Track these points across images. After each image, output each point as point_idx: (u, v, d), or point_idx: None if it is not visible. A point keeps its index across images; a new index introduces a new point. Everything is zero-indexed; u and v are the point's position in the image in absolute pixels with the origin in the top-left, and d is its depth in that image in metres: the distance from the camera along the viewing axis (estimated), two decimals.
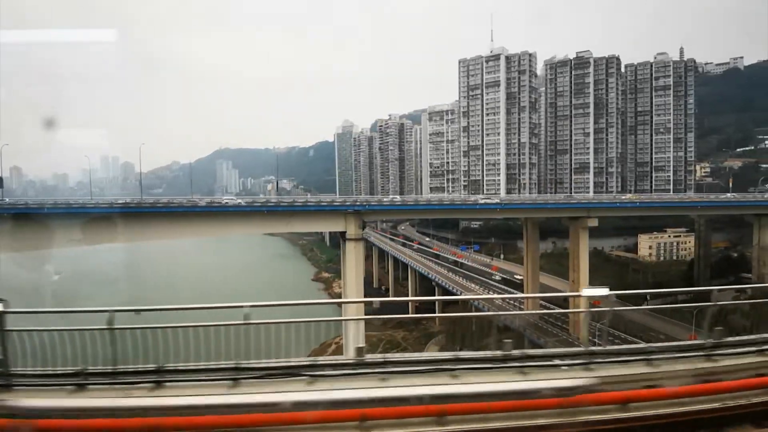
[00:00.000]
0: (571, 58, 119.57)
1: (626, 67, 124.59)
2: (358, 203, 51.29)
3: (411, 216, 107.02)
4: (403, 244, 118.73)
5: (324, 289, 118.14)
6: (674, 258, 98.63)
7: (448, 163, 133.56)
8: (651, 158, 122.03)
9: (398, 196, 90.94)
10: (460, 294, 73.51)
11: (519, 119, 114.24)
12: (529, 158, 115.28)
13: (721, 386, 6.04)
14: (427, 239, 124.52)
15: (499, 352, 6.69)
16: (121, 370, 6.26)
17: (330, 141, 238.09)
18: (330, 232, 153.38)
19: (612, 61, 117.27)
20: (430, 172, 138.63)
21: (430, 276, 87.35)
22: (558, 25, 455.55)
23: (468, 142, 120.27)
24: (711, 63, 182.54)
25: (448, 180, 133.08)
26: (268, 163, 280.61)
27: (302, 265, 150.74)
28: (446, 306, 74.34)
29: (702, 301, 7.62)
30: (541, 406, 5.49)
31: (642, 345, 7.30)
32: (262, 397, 5.47)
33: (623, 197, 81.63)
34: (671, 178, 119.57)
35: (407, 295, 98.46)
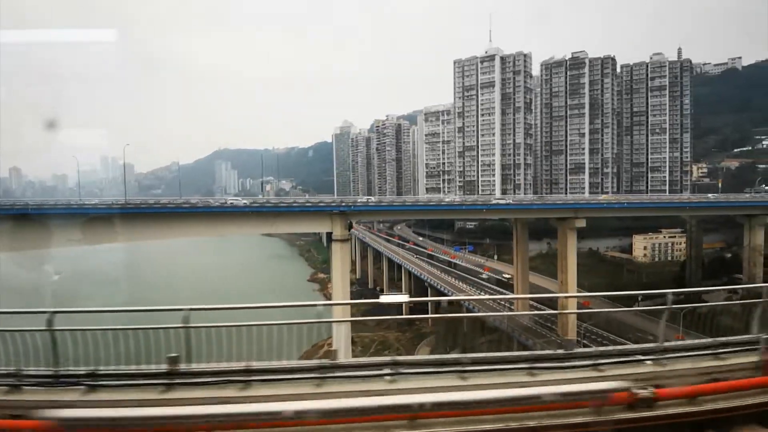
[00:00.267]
0: (567, 58, 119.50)
1: (622, 67, 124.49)
2: (343, 204, 51.31)
3: (396, 216, 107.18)
4: (399, 245, 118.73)
5: (319, 290, 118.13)
6: (669, 259, 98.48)
7: (444, 163, 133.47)
8: (647, 159, 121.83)
9: (386, 197, 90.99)
10: (451, 295, 73.39)
11: (514, 120, 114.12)
12: (524, 159, 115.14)
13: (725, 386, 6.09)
14: (421, 239, 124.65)
15: (508, 353, 6.83)
16: (134, 371, 6.30)
17: (329, 141, 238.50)
18: (327, 233, 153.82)
19: (607, 62, 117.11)
20: (426, 172, 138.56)
21: (422, 277, 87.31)
22: (558, 25, 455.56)
23: (463, 143, 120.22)
24: (709, 63, 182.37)
25: (444, 181, 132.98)
26: (268, 163, 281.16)
27: (299, 266, 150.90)
28: (438, 307, 74.67)
29: (692, 302, 7.75)
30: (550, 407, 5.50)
31: (650, 345, 7.36)
32: (271, 403, 5.29)
33: (600, 197, 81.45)
34: (667, 178, 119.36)
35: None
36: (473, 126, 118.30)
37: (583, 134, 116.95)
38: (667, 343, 7.17)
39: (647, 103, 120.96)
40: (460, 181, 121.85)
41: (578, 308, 53.51)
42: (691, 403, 5.68)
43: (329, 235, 49.21)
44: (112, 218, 44.39)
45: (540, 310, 60.06)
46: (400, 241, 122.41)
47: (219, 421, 4.78)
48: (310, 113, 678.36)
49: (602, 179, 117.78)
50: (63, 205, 47.14)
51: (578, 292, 59.71)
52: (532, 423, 5.23)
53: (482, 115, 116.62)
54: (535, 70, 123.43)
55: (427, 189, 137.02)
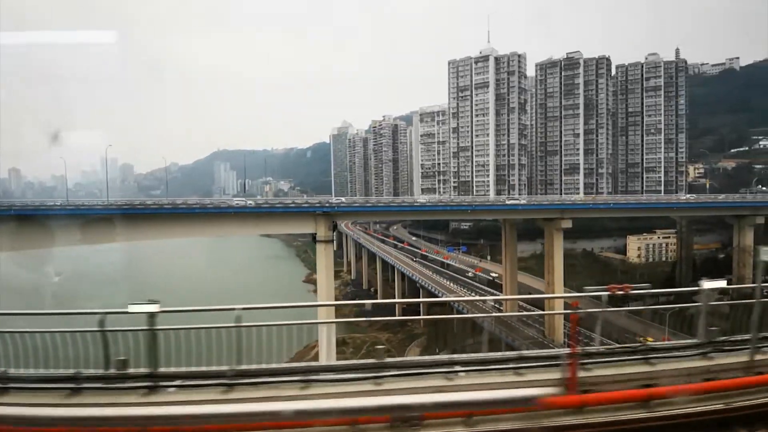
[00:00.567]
0: (561, 58, 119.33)
1: (617, 67, 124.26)
2: (327, 205, 51.37)
3: (378, 217, 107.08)
4: (394, 245, 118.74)
5: (314, 291, 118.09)
6: (663, 259, 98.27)
7: (439, 164, 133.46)
8: (642, 159, 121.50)
9: (373, 197, 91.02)
10: (442, 296, 73.42)
11: (508, 120, 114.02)
12: (519, 159, 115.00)
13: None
14: (414, 239, 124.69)
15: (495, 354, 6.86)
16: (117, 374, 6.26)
17: (328, 142, 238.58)
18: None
19: (602, 62, 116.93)
20: (422, 173, 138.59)
21: (414, 278, 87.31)
22: (558, 25, 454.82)
23: (458, 143, 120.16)
24: (707, 64, 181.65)
25: (439, 181, 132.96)
26: (267, 164, 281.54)
27: (295, 267, 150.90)
28: (430, 308, 74.68)
29: (682, 303, 7.81)
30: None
31: (638, 345, 7.37)
32: (258, 404, 5.32)
33: (573, 198, 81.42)
34: (662, 179, 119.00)
35: (395, 297, 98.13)
36: (468, 126, 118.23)
37: (578, 135, 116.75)
38: (656, 343, 7.24)
39: (642, 104, 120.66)
40: (454, 182, 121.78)
41: (567, 309, 53.36)
42: (675, 404, 5.66)
43: (313, 236, 49.22)
44: (109, 219, 44.86)
45: (529, 310, 60.08)
46: (395, 242, 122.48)
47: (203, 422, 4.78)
48: (310, 113, 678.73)
49: (597, 180, 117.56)
50: (59, 206, 47.56)
51: (565, 292, 59.71)
52: (458, 429, 5.20)
53: (476, 115, 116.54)
54: (530, 71, 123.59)
55: (422, 190, 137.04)
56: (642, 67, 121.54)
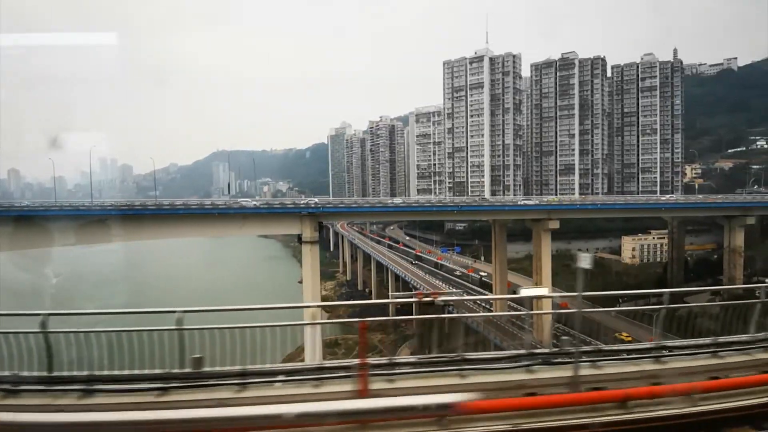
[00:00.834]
0: (556, 59, 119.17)
1: (613, 68, 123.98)
2: (312, 205, 51.33)
3: (365, 218, 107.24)
4: (390, 246, 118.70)
5: None
6: (658, 260, 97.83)
7: (434, 164, 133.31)
8: (638, 159, 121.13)
9: (360, 198, 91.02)
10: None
11: (503, 121, 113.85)
12: (514, 160, 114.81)
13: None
14: (408, 238, 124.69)
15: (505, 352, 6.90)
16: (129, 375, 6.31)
17: (326, 143, 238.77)
18: (322, 234, 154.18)
19: (597, 62, 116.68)
20: (418, 173, 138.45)
21: (406, 278, 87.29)
22: (559, 26, 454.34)
23: (452, 144, 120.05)
24: (705, 64, 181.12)
25: (435, 182, 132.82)
26: (265, 165, 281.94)
27: (292, 267, 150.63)
28: (420, 308, 74.61)
29: (673, 304, 7.85)
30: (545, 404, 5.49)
31: (648, 344, 7.36)
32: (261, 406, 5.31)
33: (545, 198, 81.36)
34: (658, 179, 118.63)
35: (389, 297, 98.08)
36: (463, 127, 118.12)
37: (573, 135, 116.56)
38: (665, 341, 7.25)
39: (638, 104, 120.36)
40: (449, 183, 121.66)
41: (556, 310, 53.35)
42: (678, 402, 5.61)
43: (298, 237, 49.21)
44: (105, 219, 45.16)
45: (518, 310, 59.96)
46: (390, 242, 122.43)
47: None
48: (310, 114, 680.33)
49: (592, 180, 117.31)
50: (56, 206, 47.79)
51: (554, 293, 59.54)
52: None
53: (471, 116, 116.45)
54: (526, 71, 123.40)
55: (418, 190, 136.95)
56: (637, 67, 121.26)
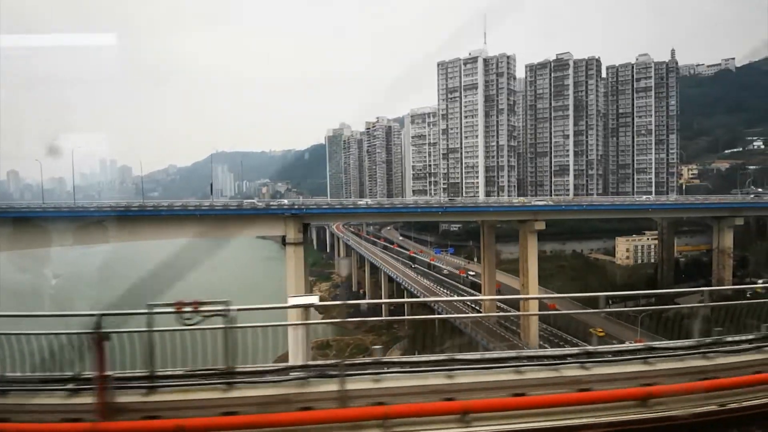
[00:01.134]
0: (551, 59, 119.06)
1: (608, 68, 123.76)
2: (295, 207, 51.41)
3: (350, 219, 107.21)
4: (384, 247, 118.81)
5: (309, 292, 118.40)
6: (652, 261, 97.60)
7: (430, 165, 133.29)
8: (633, 160, 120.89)
9: (353, 199, 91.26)
10: (422, 297, 73.46)
11: (497, 122, 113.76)
12: (508, 161, 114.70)
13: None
14: (401, 238, 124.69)
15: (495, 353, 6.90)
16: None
17: (324, 144, 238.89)
18: (318, 235, 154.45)
19: (592, 63, 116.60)
20: (413, 174, 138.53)
21: (398, 280, 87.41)
22: (559, 26, 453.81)
23: (447, 145, 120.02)
24: (702, 65, 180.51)
25: (430, 183, 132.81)
26: (265, 166, 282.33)
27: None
28: (412, 309, 74.70)
29: (662, 305, 7.84)
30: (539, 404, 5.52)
31: (639, 345, 7.38)
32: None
33: (514, 200, 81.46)
34: (653, 180, 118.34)
35: (382, 299, 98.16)
36: (457, 128, 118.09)
37: (568, 136, 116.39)
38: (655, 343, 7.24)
39: (633, 105, 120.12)
40: (444, 184, 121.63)
41: (544, 311, 53.41)
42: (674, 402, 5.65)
43: (282, 238, 49.27)
44: (103, 220, 45.48)
45: (507, 311, 60.00)
46: (385, 243, 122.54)
47: None
48: (309, 114, 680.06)
49: (587, 181, 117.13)
50: (54, 207, 48.03)
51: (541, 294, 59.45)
52: None
53: (465, 117, 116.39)
54: (520, 72, 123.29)
55: (413, 191, 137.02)
56: (632, 67, 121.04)
